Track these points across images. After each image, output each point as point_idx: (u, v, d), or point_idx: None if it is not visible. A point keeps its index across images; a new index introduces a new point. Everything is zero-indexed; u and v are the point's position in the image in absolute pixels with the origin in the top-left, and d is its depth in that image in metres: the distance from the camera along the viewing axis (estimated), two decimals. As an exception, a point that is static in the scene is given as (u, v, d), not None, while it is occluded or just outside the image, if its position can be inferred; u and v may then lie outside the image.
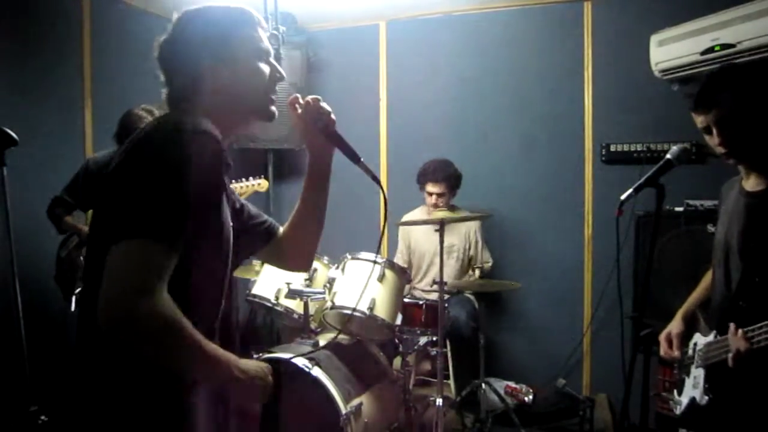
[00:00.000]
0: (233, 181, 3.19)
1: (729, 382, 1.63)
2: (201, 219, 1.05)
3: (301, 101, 1.32)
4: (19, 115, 2.91)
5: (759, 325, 1.50)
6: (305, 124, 1.33)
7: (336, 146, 1.37)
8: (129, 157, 1.06)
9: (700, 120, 1.67)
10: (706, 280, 1.98)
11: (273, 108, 1.26)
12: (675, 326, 1.93)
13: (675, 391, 1.90)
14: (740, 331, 1.52)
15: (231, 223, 1.21)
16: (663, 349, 1.92)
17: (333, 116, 1.34)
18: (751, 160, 1.68)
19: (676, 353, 1.88)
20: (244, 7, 1.24)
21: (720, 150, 1.65)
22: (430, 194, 3.53)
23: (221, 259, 1.17)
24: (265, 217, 1.44)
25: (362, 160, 1.34)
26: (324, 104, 1.32)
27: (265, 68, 1.25)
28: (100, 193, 1.13)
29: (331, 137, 1.34)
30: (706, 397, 1.68)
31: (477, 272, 3.39)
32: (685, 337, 1.90)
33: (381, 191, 1.38)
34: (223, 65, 1.19)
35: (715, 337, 1.70)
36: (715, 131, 1.63)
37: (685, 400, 1.80)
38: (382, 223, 4.22)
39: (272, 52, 1.28)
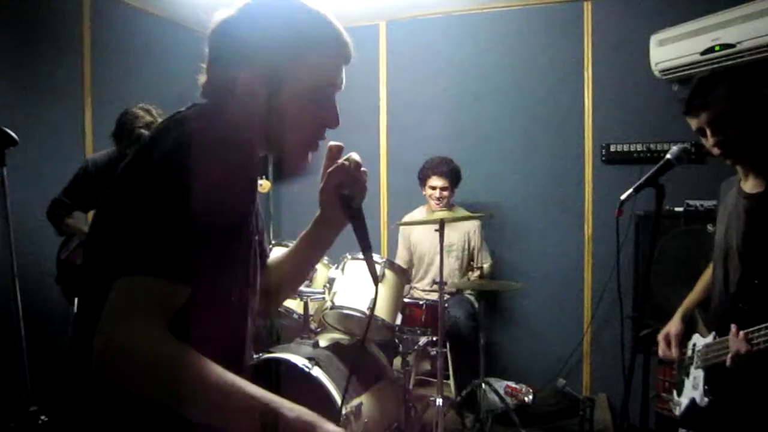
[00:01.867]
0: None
1: (729, 384, 1.63)
2: (220, 244, 0.89)
3: (344, 159, 1.10)
4: (19, 115, 2.91)
5: (759, 327, 1.49)
6: (333, 182, 1.10)
7: (351, 223, 1.11)
8: (131, 170, 0.89)
9: (694, 123, 1.67)
10: (704, 279, 1.98)
11: (304, 165, 1.06)
12: (673, 326, 1.93)
13: (675, 392, 1.90)
14: (741, 332, 1.52)
15: (257, 238, 1.07)
16: (661, 349, 1.92)
17: (365, 191, 1.10)
18: (747, 160, 1.68)
19: (674, 353, 1.88)
20: (337, 27, 1.01)
21: (715, 151, 1.66)
22: (434, 188, 3.53)
23: (247, 282, 1.01)
24: (265, 244, 1.24)
25: (370, 253, 1.09)
26: (364, 174, 1.09)
27: (322, 111, 1.03)
28: (99, 205, 0.97)
29: (354, 214, 1.09)
30: (707, 399, 1.68)
31: (476, 273, 3.39)
32: (684, 337, 1.90)
33: (375, 286, 1.09)
34: (260, 80, 0.96)
35: (715, 338, 1.70)
36: (708, 132, 1.63)
37: (684, 401, 1.80)
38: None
39: (337, 87, 1.07)
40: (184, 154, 0.84)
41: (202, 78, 1.01)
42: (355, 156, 1.10)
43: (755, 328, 1.50)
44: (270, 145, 1.03)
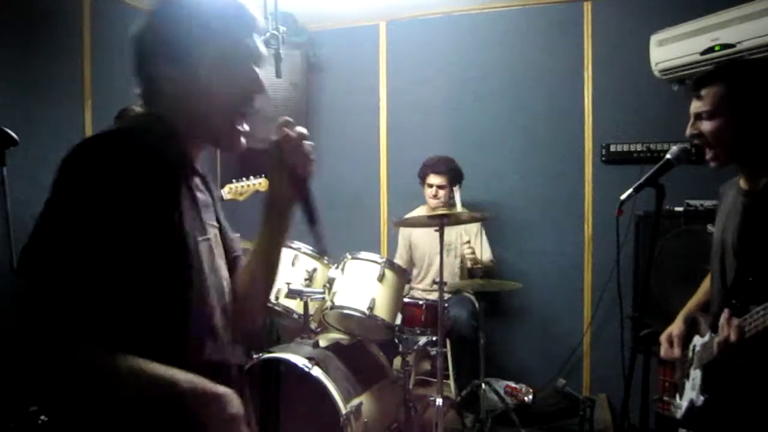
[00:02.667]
0: (234, 180, 3.19)
1: (724, 381, 1.62)
2: (132, 239, 0.89)
3: (290, 130, 1.07)
4: (19, 115, 2.91)
5: (749, 314, 1.47)
6: (279, 156, 1.06)
7: (299, 199, 1.09)
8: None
9: (696, 105, 1.65)
10: (707, 282, 1.97)
11: (242, 140, 1.04)
12: (676, 327, 1.92)
13: (677, 396, 1.89)
14: (736, 320, 1.49)
15: (205, 231, 1.04)
16: (663, 350, 1.92)
17: (314, 166, 1.07)
18: (736, 158, 1.67)
19: (676, 352, 1.88)
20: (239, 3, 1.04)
21: (707, 139, 1.63)
22: (431, 186, 3.53)
23: (192, 275, 0.97)
24: (237, 248, 1.20)
25: (318, 226, 1.10)
26: (311, 148, 1.07)
27: (241, 81, 1.02)
28: None
29: (300, 187, 1.07)
30: (702, 397, 1.68)
31: (469, 255, 3.36)
32: (687, 338, 1.89)
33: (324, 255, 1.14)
34: (177, 67, 0.99)
35: (710, 336, 1.70)
36: (705, 115, 1.61)
37: (685, 402, 1.80)
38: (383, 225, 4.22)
39: (257, 56, 1.05)
40: (78, 156, 0.91)
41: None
42: (299, 129, 1.08)
43: (745, 316, 1.47)
44: (199, 130, 1.03)
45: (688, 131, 1.67)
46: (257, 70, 1.04)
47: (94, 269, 0.86)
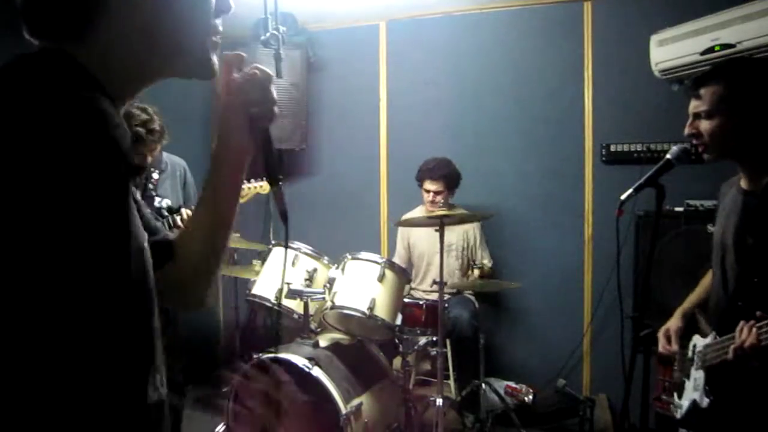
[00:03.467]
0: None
1: (730, 384, 1.62)
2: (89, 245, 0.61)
3: (245, 66, 0.88)
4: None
5: (766, 321, 1.48)
6: (236, 98, 0.87)
7: (260, 149, 0.90)
8: None
9: (694, 104, 1.66)
10: (706, 280, 1.97)
11: (215, 59, 0.81)
12: (673, 323, 1.93)
13: (675, 394, 1.89)
14: (755, 328, 1.49)
15: (143, 238, 0.77)
16: (661, 345, 1.92)
17: (276, 110, 0.89)
18: (732, 156, 1.67)
19: (674, 347, 1.88)
20: None
21: (698, 140, 1.64)
22: (428, 191, 3.54)
23: (149, 302, 0.75)
24: (161, 231, 0.95)
25: (281, 183, 0.95)
26: (273, 89, 0.89)
27: None
28: None
29: (261, 135, 0.89)
30: (707, 399, 1.68)
31: (476, 272, 3.39)
32: (684, 335, 1.89)
33: (285, 233, 0.97)
34: None
35: (714, 338, 1.70)
36: (704, 113, 1.62)
37: (685, 402, 1.80)
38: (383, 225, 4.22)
39: None
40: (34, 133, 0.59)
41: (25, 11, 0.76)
42: (257, 67, 0.87)
43: (764, 322, 1.48)
44: (173, 67, 0.79)
45: (687, 130, 1.67)
46: None
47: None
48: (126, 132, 0.65)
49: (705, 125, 1.63)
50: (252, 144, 0.89)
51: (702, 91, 1.63)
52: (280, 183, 0.93)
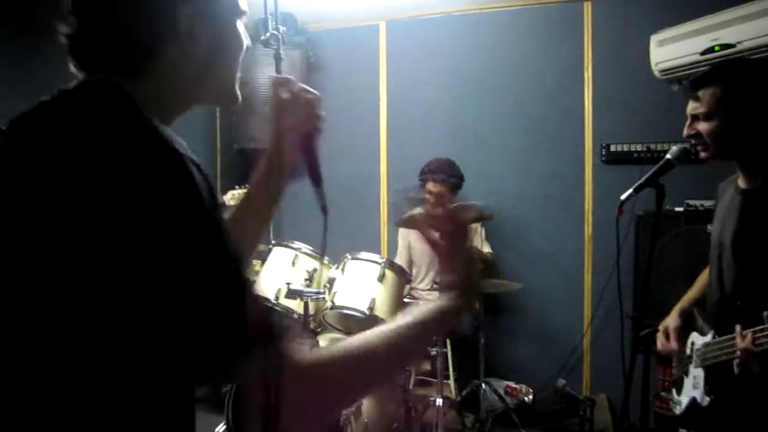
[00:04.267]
0: (237, 186, 3.18)
1: (730, 383, 1.62)
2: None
3: (294, 87, 1.00)
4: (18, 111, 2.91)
5: (763, 327, 1.48)
6: (286, 118, 1.00)
7: (305, 160, 1.04)
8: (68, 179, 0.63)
9: (692, 106, 1.66)
10: (703, 278, 1.98)
11: (238, 91, 0.91)
12: (672, 321, 1.93)
13: (674, 391, 1.90)
14: (749, 333, 1.50)
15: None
16: (660, 342, 1.92)
17: (321, 122, 1.02)
18: (732, 156, 1.67)
19: (673, 345, 1.88)
20: None
21: (697, 141, 1.64)
22: (430, 193, 3.53)
23: None
24: None
25: (322, 187, 1.08)
26: (316, 101, 1.01)
27: (242, 34, 0.88)
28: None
29: (309, 148, 1.02)
30: (708, 398, 1.68)
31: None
32: (682, 332, 1.90)
33: (324, 224, 1.08)
34: (203, 20, 0.79)
35: (714, 337, 1.70)
36: (701, 115, 1.62)
37: (685, 399, 1.80)
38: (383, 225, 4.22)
39: (247, 12, 0.91)
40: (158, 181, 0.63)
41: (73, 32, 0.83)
42: (304, 87, 1.00)
43: (760, 327, 1.49)
44: (206, 89, 0.86)
45: (685, 132, 1.68)
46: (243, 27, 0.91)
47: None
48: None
49: (704, 126, 1.63)
50: (299, 152, 1.01)
51: (700, 93, 1.63)
52: (321, 185, 1.07)
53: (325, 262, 2.94)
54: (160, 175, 0.63)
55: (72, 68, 0.84)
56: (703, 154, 1.67)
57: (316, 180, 1.06)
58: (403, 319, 0.83)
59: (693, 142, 1.67)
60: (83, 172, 0.63)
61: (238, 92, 0.91)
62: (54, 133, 0.70)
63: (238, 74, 0.90)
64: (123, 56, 0.77)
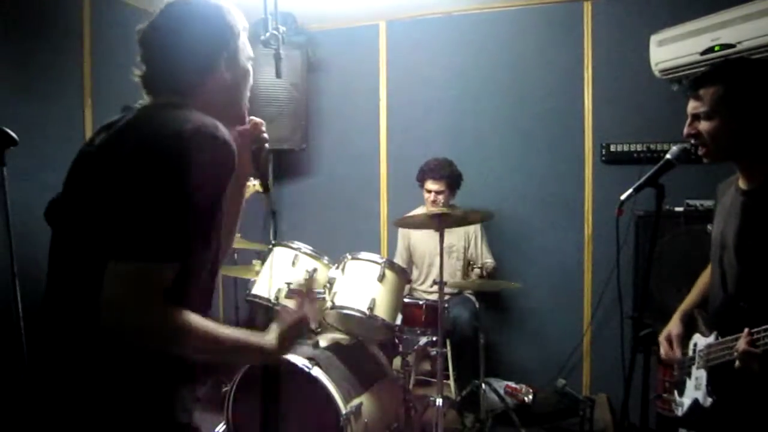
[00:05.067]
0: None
1: (733, 384, 1.62)
2: (210, 227, 1.07)
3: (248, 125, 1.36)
4: (19, 115, 2.91)
5: (765, 327, 1.48)
6: (243, 141, 1.34)
7: (257, 170, 1.40)
8: (140, 159, 1.01)
9: (693, 105, 1.66)
10: (703, 280, 1.97)
11: (246, 114, 1.29)
12: (674, 327, 1.92)
13: (676, 392, 1.90)
14: (748, 331, 1.50)
15: None
16: (663, 351, 1.92)
17: (267, 144, 1.38)
18: (732, 157, 1.67)
19: (677, 354, 1.88)
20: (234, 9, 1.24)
21: (704, 139, 1.64)
22: (429, 191, 3.54)
23: (217, 253, 1.17)
24: None
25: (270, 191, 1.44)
26: (264, 129, 1.37)
27: (248, 79, 1.26)
28: (93, 185, 1.09)
29: (260, 161, 1.39)
30: (710, 399, 1.68)
31: (476, 271, 3.38)
32: (685, 337, 1.89)
33: (272, 221, 1.42)
34: (231, 63, 1.18)
35: (717, 338, 1.70)
36: (702, 114, 1.62)
37: (687, 401, 1.80)
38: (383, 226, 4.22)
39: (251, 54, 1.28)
40: (187, 145, 1.00)
41: (144, 72, 1.19)
42: (255, 119, 1.35)
43: (760, 329, 1.49)
44: (226, 113, 1.20)
45: (686, 131, 1.67)
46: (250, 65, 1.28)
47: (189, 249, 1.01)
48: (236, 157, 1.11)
49: (704, 126, 1.63)
50: (252, 166, 1.38)
51: (701, 92, 1.63)
52: (270, 191, 1.44)
53: (325, 262, 2.94)
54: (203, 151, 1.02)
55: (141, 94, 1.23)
56: (704, 156, 1.67)
57: (265, 188, 1.47)
58: (237, 333, 1.10)
59: (693, 141, 1.67)
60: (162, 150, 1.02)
61: (246, 116, 1.28)
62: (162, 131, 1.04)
63: (246, 102, 1.26)
64: (181, 85, 1.15)
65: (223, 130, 1.05)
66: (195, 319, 1.00)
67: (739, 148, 1.63)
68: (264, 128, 1.37)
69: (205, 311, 1.14)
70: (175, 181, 0.98)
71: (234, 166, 1.07)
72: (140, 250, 0.96)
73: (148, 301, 0.95)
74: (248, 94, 1.26)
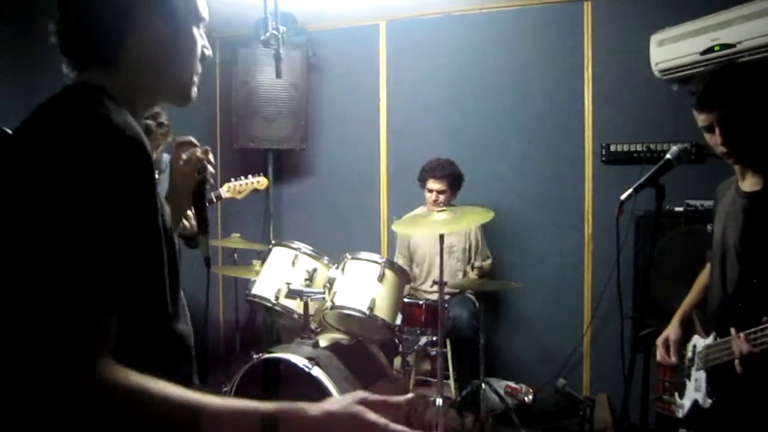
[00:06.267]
0: (233, 179, 3.18)
1: (732, 385, 1.62)
2: (144, 254, 0.81)
3: (190, 150, 1.22)
4: (20, 115, 2.91)
5: (761, 327, 1.49)
6: (184, 169, 1.21)
7: (195, 205, 1.23)
8: (26, 169, 0.76)
9: (702, 118, 1.66)
10: (701, 281, 1.97)
11: (195, 90, 1.03)
12: (672, 332, 1.92)
13: (676, 394, 1.90)
14: (742, 334, 1.51)
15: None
16: (660, 355, 1.92)
17: (211, 179, 1.23)
18: (750, 159, 1.68)
19: (673, 359, 1.88)
20: None
21: (721, 150, 1.65)
22: (430, 191, 3.54)
23: (171, 283, 0.91)
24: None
25: (208, 232, 1.24)
26: (210, 160, 1.23)
27: (199, 38, 1.01)
28: None
29: (198, 196, 1.23)
30: (710, 400, 1.68)
31: (475, 272, 3.39)
32: (683, 341, 1.89)
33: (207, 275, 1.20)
34: (161, 21, 0.93)
35: (715, 339, 1.70)
36: (717, 130, 1.63)
37: (687, 402, 1.80)
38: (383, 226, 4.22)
39: (207, 20, 1.03)
40: (104, 157, 0.76)
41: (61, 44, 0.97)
42: (205, 148, 1.23)
43: (756, 328, 1.49)
44: (167, 87, 1.00)
45: (718, 150, 1.66)
46: (203, 33, 1.04)
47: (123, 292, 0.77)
48: (142, 132, 0.85)
49: (719, 136, 1.63)
50: (191, 197, 1.22)
51: (712, 104, 1.63)
52: (208, 232, 1.24)
53: (325, 262, 2.94)
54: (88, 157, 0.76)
55: (64, 68, 1.00)
56: (730, 160, 1.68)
57: (203, 227, 1.23)
58: (214, 405, 0.78)
59: (724, 150, 1.66)
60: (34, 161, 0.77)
61: (193, 94, 1.03)
62: (27, 132, 0.86)
63: (195, 77, 1.02)
64: (94, 49, 0.93)
65: (134, 131, 0.81)
66: (149, 384, 0.75)
67: (749, 151, 1.64)
68: (210, 157, 1.21)
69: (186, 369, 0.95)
70: (65, 202, 0.73)
71: (148, 168, 0.81)
72: (64, 301, 0.72)
73: (93, 357, 0.73)
74: (199, 68, 1.02)
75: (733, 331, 1.54)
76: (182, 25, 0.97)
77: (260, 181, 3.15)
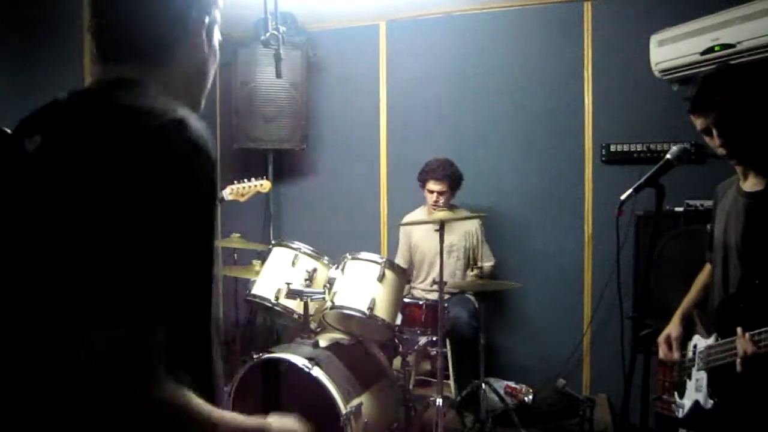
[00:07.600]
0: (236, 181, 3.18)
1: (733, 385, 1.62)
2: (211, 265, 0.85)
3: None
4: (20, 115, 2.91)
5: (766, 329, 1.48)
6: None
7: None
8: (110, 178, 0.75)
9: (698, 122, 1.67)
10: (700, 280, 1.98)
11: (203, 101, 1.04)
12: (673, 329, 1.92)
13: (676, 394, 1.90)
14: (747, 334, 1.51)
15: None
16: (662, 352, 1.92)
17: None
18: (751, 160, 1.68)
19: (675, 356, 1.88)
20: None
21: (721, 151, 1.65)
22: (431, 192, 3.54)
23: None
24: None
25: None
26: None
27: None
28: (32, 215, 0.82)
29: None
30: (711, 401, 1.68)
31: (475, 271, 3.38)
32: (684, 339, 1.90)
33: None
34: (206, 28, 0.96)
35: (716, 339, 1.70)
36: (715, 133, 1.63)
37: (687, 402, 1.80)
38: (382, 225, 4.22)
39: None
40: (175, 149, 0.78)
41: (97, 27, 0.93)
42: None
43: (762, 329, 1.49)
44: (187, 99, 0.97)
45: (719, 151, 1.66)
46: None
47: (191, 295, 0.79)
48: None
49: (719, 139, 1.63)
50: None
51: (706, 108, 1.63)
52: None
53: (325, 262, 2.94)
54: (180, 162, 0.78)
55: (93, 59, 0.99)
56: (732, 161, 1.68)
57: None
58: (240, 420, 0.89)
59: (724, 152, 1.66)
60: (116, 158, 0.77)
61: (203, 103, 1.03)
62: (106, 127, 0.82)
63: (208, 87, 1.03)
64: (146, 48, 0.90)
65: (201, 133, 0.82)
66: (193, 401, 0.79)
67: (753, 149, 1.64)
68: None
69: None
70: (171, 205, 0.75)
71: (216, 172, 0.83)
72: (138, 310, 0.72)
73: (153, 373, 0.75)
74: (211, 76, 1.03)
75: (739, 330, 1.53)
76: (215, 46, 1.00)
77: (263, 185, 3.15)
